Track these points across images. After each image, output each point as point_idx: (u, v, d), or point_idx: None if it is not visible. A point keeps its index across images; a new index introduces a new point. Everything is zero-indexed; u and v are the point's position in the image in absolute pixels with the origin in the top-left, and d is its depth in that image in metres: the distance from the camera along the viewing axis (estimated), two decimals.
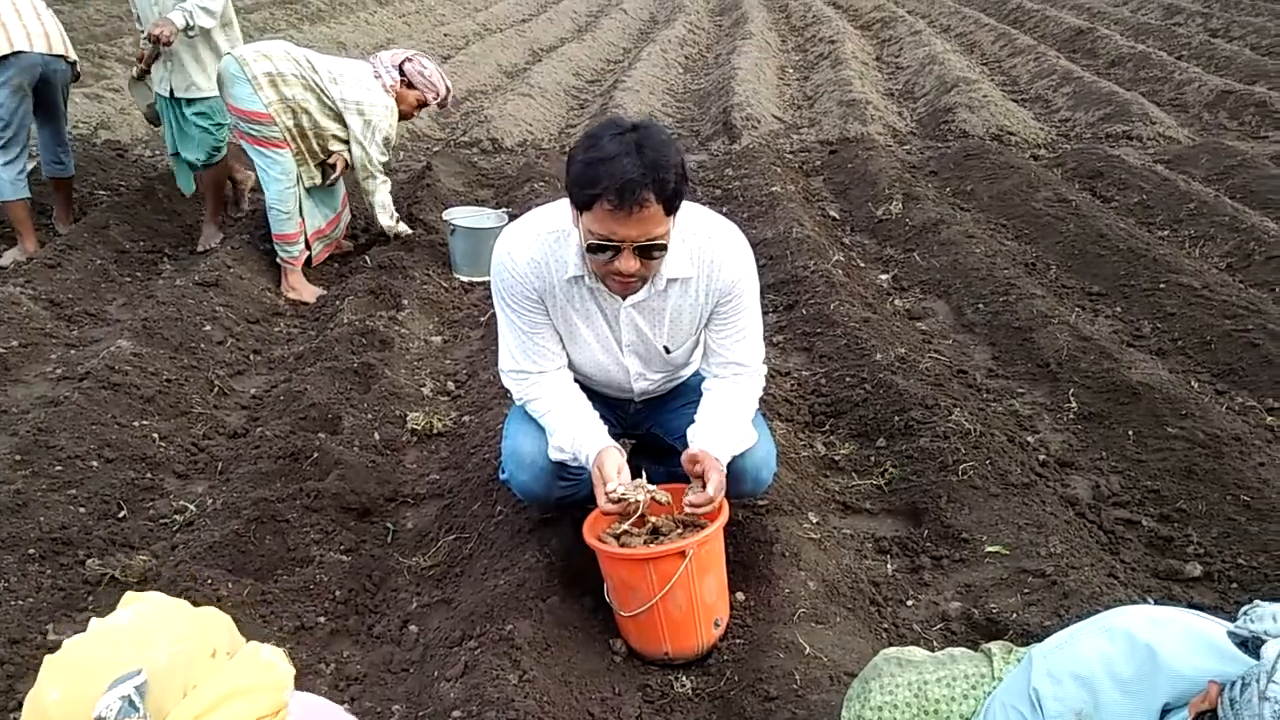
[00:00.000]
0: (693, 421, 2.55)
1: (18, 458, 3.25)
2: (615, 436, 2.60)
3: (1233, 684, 1.31)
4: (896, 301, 4.97)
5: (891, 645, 2.50)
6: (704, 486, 2.37)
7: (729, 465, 2.49)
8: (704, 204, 3.07)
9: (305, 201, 4.96)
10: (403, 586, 2.90)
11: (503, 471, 2.77)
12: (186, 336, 4.26)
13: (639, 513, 2.38)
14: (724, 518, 2.43)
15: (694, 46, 12.18)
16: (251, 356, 4.41)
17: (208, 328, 4.40)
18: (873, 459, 3.52)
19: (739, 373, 2.61)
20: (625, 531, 2.42)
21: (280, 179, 4.73)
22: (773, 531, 2.89)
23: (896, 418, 3.62)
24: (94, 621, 1.41)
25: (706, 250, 2.45)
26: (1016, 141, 7.64)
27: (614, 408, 2.81)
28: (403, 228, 5.32)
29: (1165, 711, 1.47)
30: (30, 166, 5.23)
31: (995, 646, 1.99)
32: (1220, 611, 2.60)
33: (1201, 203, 5.78)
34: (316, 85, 4.63)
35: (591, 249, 2.25)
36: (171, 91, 5.00)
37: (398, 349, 4.31)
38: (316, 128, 4.73)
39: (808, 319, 4.57)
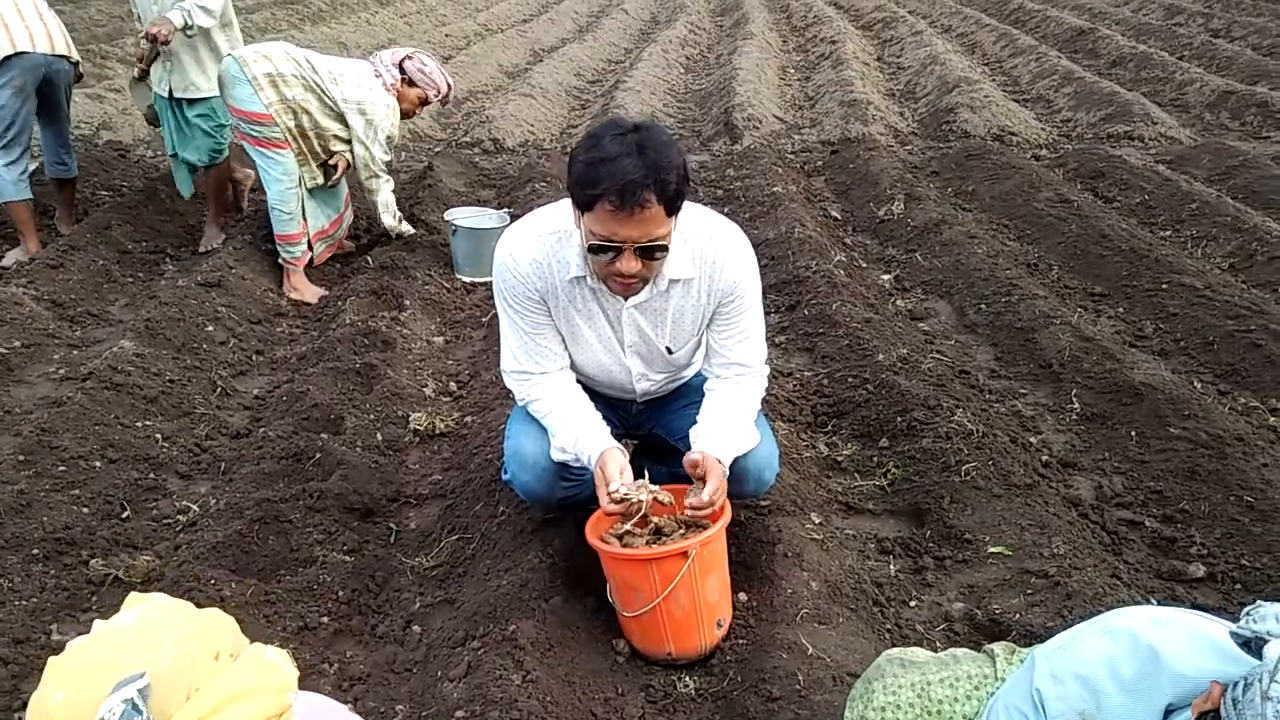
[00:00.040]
0: (695, 422, 2.55)
1: (21, 458, 3.25)
2: (617, 437, 2.60)
3: (1235, 684, 1.31)
4: (898, 302, 4.97)
5: (894, 646, 2.49)
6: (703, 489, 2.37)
7: (731, 466, 2.49)
8: (706, 204, 3.07)
9: (308, 202, 4.97)
10: (406, 587, 2.90)
11: (505, 472, 2.77)
12: (189, 337, 4.26)
13: (641, 513, 2.38)
14: (726, 518, 2.43)
15: (695, 47, 12.18)
16: (254, 357, 4.42)
17: (210, 328, 4.40)
18: (875, 459, 3.52)
19: (741, 373, 2.61)
20: (628, 532, 2.42)
21: (282, 179, 4.73)
22: (775, 532, 2.89)
23: (899, 418, 3.62)
24: (98, 623, 1.41)
25: (708, 251, 2.45)
26: (1018, 142, 7.63)
27: (616, 408, 2.81)
28: (405, 227, 5.32)
29: (1168, 712, 1.48)
30: (33, 167, 5.23)
31: (998, 647, 1.99)
32: (1223, 612, 2.59)
33: (1203, 203, 5.78)
34: (317, 86, 4.64)
35: (593, 249, 2.25)
36: (170, 92, 5.00)
37: (400, 349, 4.31)
38: (317, 128, 4.73)
39: (810, 319, 4.57)
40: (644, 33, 13.21)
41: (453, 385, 4.22)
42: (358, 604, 2.79)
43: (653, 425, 2.91)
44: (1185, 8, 13.04)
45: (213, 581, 2.64)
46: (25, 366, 4.07)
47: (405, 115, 4.99)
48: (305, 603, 2.72)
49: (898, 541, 3.10)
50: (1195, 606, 2.58)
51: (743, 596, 2.72)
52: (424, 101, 4.99)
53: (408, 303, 4.74)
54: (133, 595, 1.48)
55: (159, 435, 3.59)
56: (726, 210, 5.97)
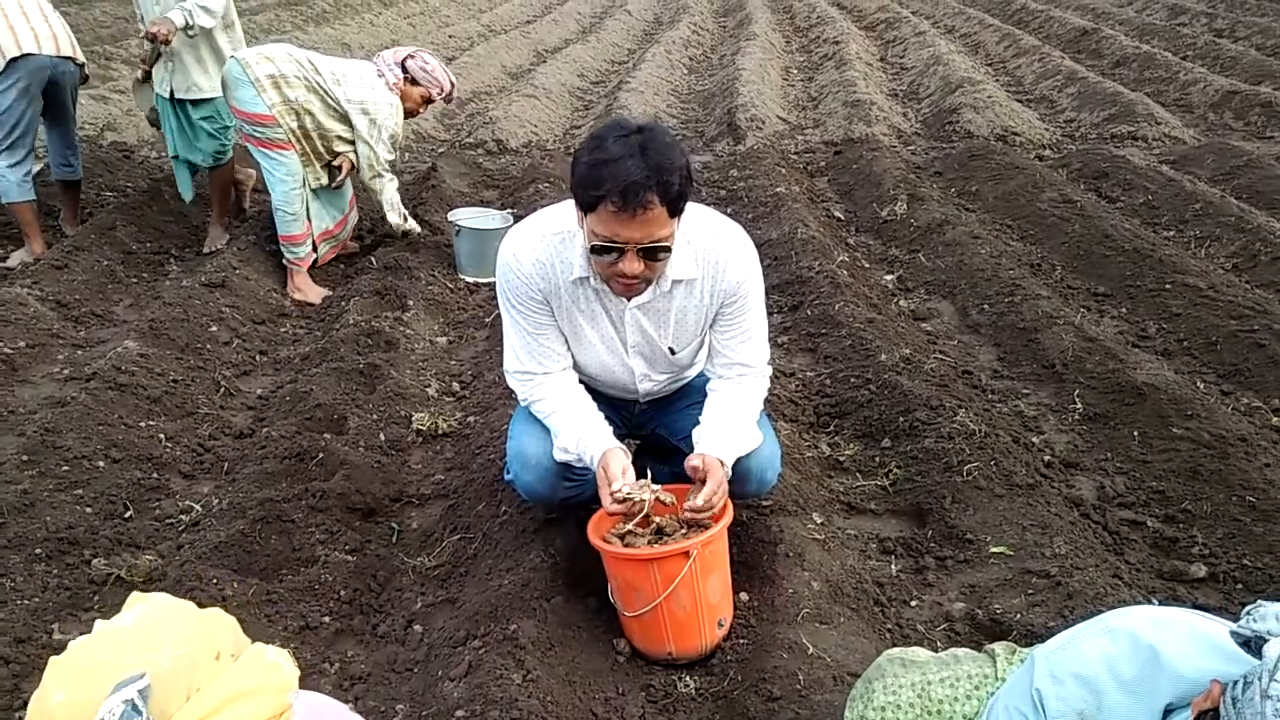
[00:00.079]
0: (697, 422, 2.55)
1: (25, 458, 3.26)
2: (620, 437, 2.60)
3: (1235, 683, 1.31)
4: (901, 302, 4.96)
5: (895, 646, 2.49)
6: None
7: (734, 466, 2.49)
8: (709, 205, 3.07)
9: (312, 203, 4.98)
10: (407, 586, 2.91)
11: (507, 472, 2.78)
12: (193, 337, 4.27)
13: (643, 513, 2.38)
14: (728, 518, 2.43)
15: (698, 47, 12.19)
16: (257, 357, 4.43)
17: (214, 328, 4.41)
18: (877, 459, 3.52)
19: (744, 374, 2.61)
20: (630, 532, 2.42)
21: (285, 180, 4.74)
22: (777, 532, 2.90)
23: (901, 418, 3.62)
24: (99, 623, 1.41)
25: (711, 251, 2.45)
26: (1021, 142, 7.63)
27: (619, 408, 2.81)
28: (412, 225, 5.31)
29: (1168, 711, 1.47)
30: (38, 168, 5.25)
31: (999, 647, 1.99)
32: (1225, 613, 2.58)
33: (1207, 203, 5.77)
34: (320, 87, 4.64)
35: (595, 250, 2.26)
36: (172, 93, 5.00)
37: (403, 350, 4.31)
38: (320, 129, 4.74)
39: (812, 320, 4.57)
40: (647, 33, 13.22)
41: (455, 385, 4.22)
42: (359, 603, 2.80)
43: (655, 425, 2.91)
44: (1189, 8, 13.02)
45: (215, 581, 2.65)
46: (29, 366, 4.08)
47: (409, 114, 5.00)
48: (307, 602, 2.72)
49: (899, 541, 3.09)
50: (1197, 607, 2.57)
51: (744, 596, 2.72)
52: (427, 100, 5.00)
53: (411, 303, 4.74)
54: (134, 595, 1.48)
55: (162, 435, 3.60)
56: (729, 211, 5.97)
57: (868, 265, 5.47)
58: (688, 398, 2.79)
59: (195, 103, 5.04)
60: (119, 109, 7.84)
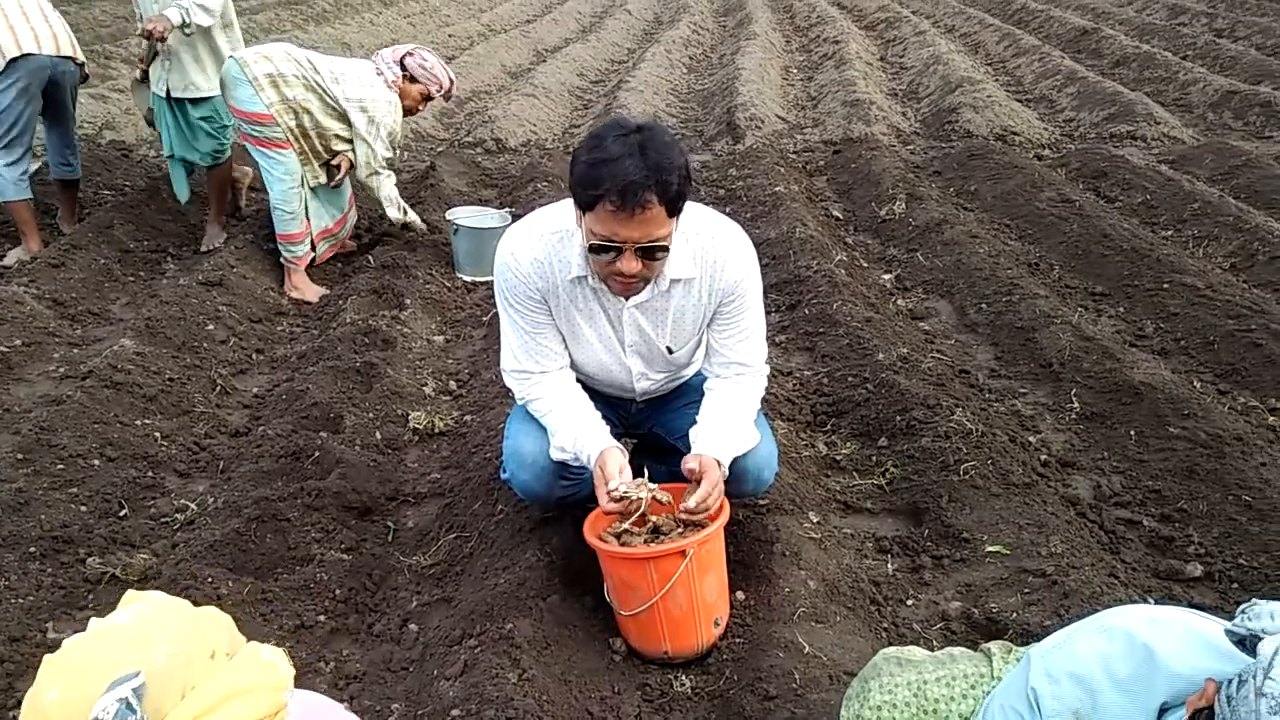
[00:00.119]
0: (695, 421, 2.55)
1: (20, 456, 3.26)
2: (617, 436, 2.60)
3: (1230, 681, 1.31)
4: (899, 301, 4.96)
5: (891, 645, 2.50)
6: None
7: (731, 465, 2.49)
8: (707, 204, 3.07)
9: (311, 201, 4.97)
10: (403, 585, 2.91)
11: (504, 471, 2.77)
12: (189, 336, 4.27)
13: (640, 512, 2.38)
14: (725, 517, 2.43)
15: (698, 47, 12.19)
16: (254, 356, 4.42)
17: (210, 327, 4.41)
18: (874, 459, 3.52)
19: (741, 373, 2.61)
20: (626, 531, 2.42)
21: (284, 179, 4.74)
22: (773, 531, 2.89)
23: (898, 417, 3.62)
24: (94, 621, 1.41)
25: (710, 250, 2.45)
26: (1020, 141, 7.63)
27: (616, 407, 2.81)
28: (413, 217, 5.28)
29: (1163, 710, 1.47)
30: (35, 167, 5.24)
31: (995, 646, 1.98)
32: (1221, 612, 2.59)
33: (1205, 203, 5.77)
34: (318, 85, 4.64)
35: (594, 249, 2.25)
36: (169, 92, 4.99)
37: (400, 348, 4.31)
38: (319, 128, 4.73)
39: (810, 319, 4.57)
40: (647, 33, 13.22)
41: (452, 384, 4.22)
42: (355, 602, 2.80)
43: (652, 424, 2.91)
44: (1189, 7, 13.02)
45: (210, 580, 2.65)
46: (25, 365, 4.08)
47: (409, 112, 4.99)
48: (302, 601, 2.72)
49: (896, 540, 3.09)
50: (1193, 606, 2.58)
51: (740, 595, 2.72)
52: (426, 97, 4.99)
53: (408, 302, 4.74)
54: (129, 593, 1.47)
55: (158, 434, 3.60)
56: (728, 210, 5.97)
57: (866, 264, 5.47)
58: (685, 397, 2.79)
59: (194, 102, 5.04)
60: (118, 108, 7.84)
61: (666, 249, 2.27)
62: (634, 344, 2.58)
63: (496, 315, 2.69)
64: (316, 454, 3.33)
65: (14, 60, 4.72)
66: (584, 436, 2.49)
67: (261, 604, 2.66)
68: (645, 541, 2.40)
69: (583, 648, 2.54)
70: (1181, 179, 6.26)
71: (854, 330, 4.29)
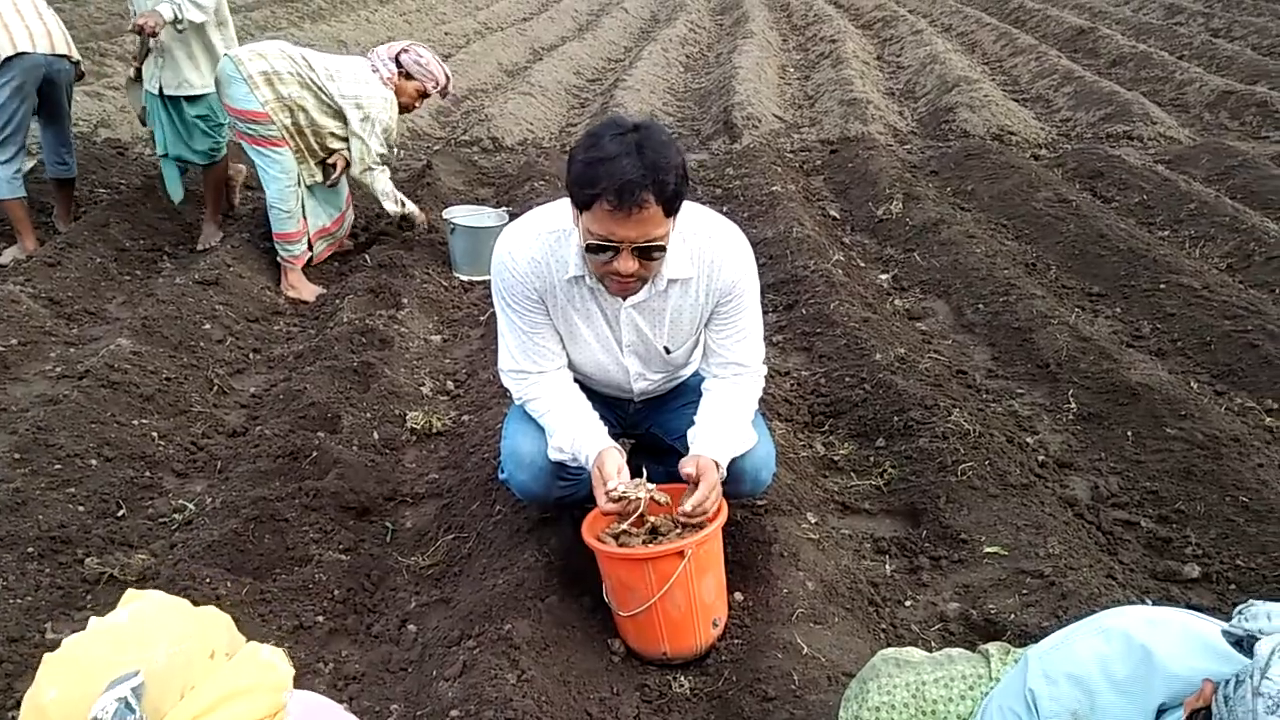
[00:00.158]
0: (692, 422, 2.55)
1: (17, 456, 3.25)
2: (615, 436, 2.60)
3: (1227, 682, 1.31)
4: (896, 301, 4.97)
5: (889, 646, 2.49)
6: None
7: (729, 466, 2.49)
8: (704, 203, 3.07)
9: (308, 200, 4.96)
10: (401, 586, 2.90)
11: (502, 471, 2.77)
12: (186, 335, 4.26)
13: (638, 512, 2.38)
14: (723, 518, 2.43)
15: (695, 45, 12.18)
16: (251, 355, 4.42)
17: (207, 326, 4.40)
18: (872, 459, 3.52)
19: (739, 373, 2.61)
20: (624, 531, 2.42)
21: (280, 178, 4.73)
22: (771, 532, 2.89)
23: (896, 418, 3.62)
24: (93, 620, 1.41)
25: (707, 250, 2.45)
26: (1017, 141, 7.63)
27: (613, 408, 2.81)
28: (411, 208, 5.25)
29: (1161, 711, 1.48)
30: (30, 165, 5.23)
31: (993, 647, 1.99)
32: (1218, 613, 2.59)
33: (1202, 203, 5.78)
34: (313, 83, 4.63)
35: (590, 249, 2.25)
36: (161, 89, 4.98)
37: (397, 348, 4.31)
38: (314, 125, 4.72)
39: (807, 319, 4.57)
40: (644, 31, 13.21)
41: (450, 384, 4.21)
42: (353, 603, 2.79)
43: (650, 424, 2.91)
44: (1186, 7, 13.03)
45: (208, 580, 2.64)
46: (22, 364, 4.07)
47: (405, 109, 4.97)
48: (300, 601, 2.72)
49: (894, 541, 3.10)
50: (1190, 607, 2.57)
51: (738, 596, 2.72)
52: (422, 94, 4.97)
53: (405, 301, 4.74)
54: (129, 592, 1.47)
55: (155, 433, 3.59)
56: (725, 209, 5.97)
57: (863, 264, 5.47)
58: (683, 397, 2.79)
59: (189, 100, 5.03)
60: (113, 105, 7.82)
61: (663, 249, 2.27)
62: (631, 344, 2.58)
63: (494, 315, 2.69)
64: (314, 454, 3.33)
65: (9, 59, 4.70)
66: (582, 437, 2.49)
67: (260, 604, 2.65)
68: (643, 542, 2.40)
69: (581, 648, 2.54)
70: (1178, 179, 6.27)
71: (851, 330, 4.30)
